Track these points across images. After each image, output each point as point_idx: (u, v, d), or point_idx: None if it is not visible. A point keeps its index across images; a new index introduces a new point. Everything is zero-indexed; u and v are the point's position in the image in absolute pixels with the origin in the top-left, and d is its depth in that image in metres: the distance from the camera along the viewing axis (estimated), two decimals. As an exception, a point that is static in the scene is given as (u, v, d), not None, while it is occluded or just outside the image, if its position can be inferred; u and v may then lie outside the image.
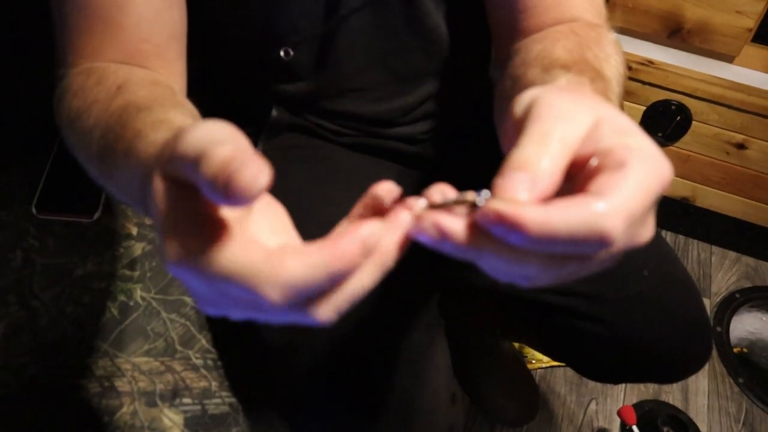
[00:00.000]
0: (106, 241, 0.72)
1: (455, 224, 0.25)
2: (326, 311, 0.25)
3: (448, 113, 0.68)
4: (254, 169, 0.23)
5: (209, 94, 0.71)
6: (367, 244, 0.24)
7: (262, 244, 0.25)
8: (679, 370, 0.72)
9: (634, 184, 0.24)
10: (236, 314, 0.26)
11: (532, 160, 0.24)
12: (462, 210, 0.25)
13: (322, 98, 0.63)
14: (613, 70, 0.43)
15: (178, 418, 0.58)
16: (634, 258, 0.65)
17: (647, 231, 0.26)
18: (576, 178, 0.26)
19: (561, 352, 0.82)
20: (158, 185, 0.26)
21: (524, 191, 0.24)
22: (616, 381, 0.93)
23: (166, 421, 0.57)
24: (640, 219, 0.24)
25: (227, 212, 0.25)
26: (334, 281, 0.24)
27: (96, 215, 0.75)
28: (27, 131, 0.82)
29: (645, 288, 0.65)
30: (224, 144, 0.23)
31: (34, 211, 0.74)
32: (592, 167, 0.25)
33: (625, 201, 0.23)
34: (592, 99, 0.28)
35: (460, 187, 0.27)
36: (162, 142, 0.29)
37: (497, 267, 0.26)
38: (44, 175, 0.78)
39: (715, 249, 1.50)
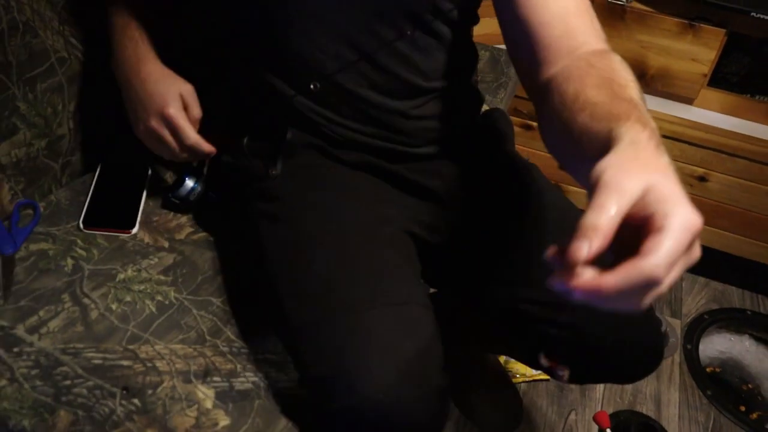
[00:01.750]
0: (142, 252, 0.83)
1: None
2: None
3: (440, 137, 0.78)
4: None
5: (237, 116, 0.82)
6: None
7: None
8: (636, 369, 0.79)
9: (669, 243, 0.36)
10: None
11: (590, 231, 0.37)
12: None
13: (331, 114, 0.72)
14: (635, 90, 0.54)
15: (210, 393, 0.68)
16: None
17: (695, 254, 0.39)
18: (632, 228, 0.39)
19: (533, 357, 0.91)
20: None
21: (584, 252, 0.37)
22: (582, 381, 1.02)
23: (200, 394, 0.67)
24: (682, 255, 0.37)
25: None
26: None
27: (134, 230, 0.84)
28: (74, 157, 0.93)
29: None
30: None
31: (80, 226, 0.84)
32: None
33: (663, 256, 0.37)
34: (644, 170, 0.40)
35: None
36: None
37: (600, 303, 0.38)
38: (89, 195, 0.88)
39: (686, 274, 1.60)
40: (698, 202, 1.46)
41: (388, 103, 0.72)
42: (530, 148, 1.52)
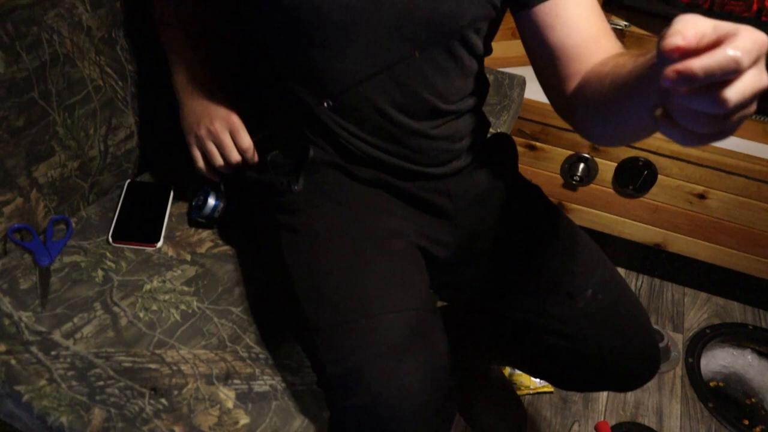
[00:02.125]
0: (166, 265, 0.89)
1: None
2: None
3: (452, 158, 0.83)
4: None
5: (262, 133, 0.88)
6: None
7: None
8: (632, 377, 0.83)
9: (743, 38, 0.40)
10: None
11: (674, 33, 0.41)
12: None
13: (354, 128, 0.77)
14: None
15: (231, 394, 0.73)
16: (590, 285, 0.80)
17: (765, 77, 0.41)
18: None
19: (536, 366, 0.94)
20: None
21: (670, 42, 0.40)
22: (582, 389, 1.04)
23: (221, 395, 0.73)
24: (755, 62, 0.40)
25: None
26: None
27: (158, 244, 0.91)
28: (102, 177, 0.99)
29: (599, 308, 0.78)
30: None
31: (110, 240, 0.90)
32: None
33: (741, 44, 0.39)
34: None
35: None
36: None
37: (690, 102, 0.41)
38: (117, 212, 0.94)
39: (688, 290, 1.63)
40: (698, 219, 1.51)
41: (409, 122, 0.77)
42: (534, 168, 1.57)
